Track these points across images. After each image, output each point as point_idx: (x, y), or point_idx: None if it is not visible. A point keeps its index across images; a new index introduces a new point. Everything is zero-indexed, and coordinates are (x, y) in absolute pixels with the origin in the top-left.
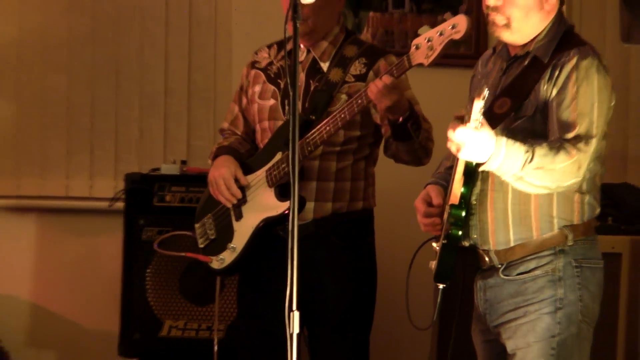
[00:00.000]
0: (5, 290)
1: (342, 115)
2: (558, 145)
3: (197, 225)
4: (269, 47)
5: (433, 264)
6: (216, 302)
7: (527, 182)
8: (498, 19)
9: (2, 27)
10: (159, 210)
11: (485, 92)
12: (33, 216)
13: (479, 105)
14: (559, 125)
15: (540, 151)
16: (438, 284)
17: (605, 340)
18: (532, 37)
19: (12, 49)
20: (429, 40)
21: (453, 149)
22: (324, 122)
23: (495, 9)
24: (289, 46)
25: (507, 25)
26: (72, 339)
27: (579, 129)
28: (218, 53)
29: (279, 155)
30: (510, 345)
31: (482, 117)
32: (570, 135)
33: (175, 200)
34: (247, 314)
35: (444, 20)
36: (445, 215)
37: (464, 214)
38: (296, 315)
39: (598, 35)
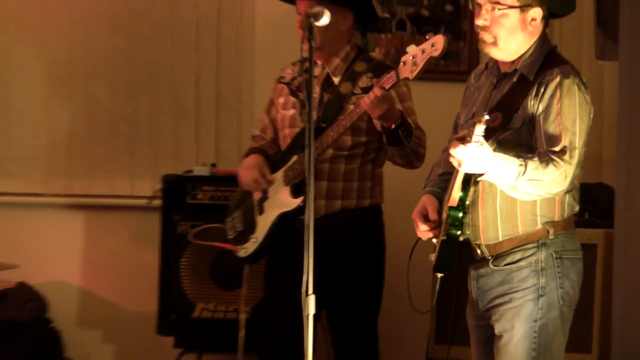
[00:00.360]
0: (57, 277)
1: (344, 123)
2: (547, 158)
3: (227, 219)
4: (293, 64)
5: (433, 256)
6: (243, 287)
7: (520, 191)
8: (486, 37)
9: (52, 47)
10: (191, 207)
11: (485, 117)
12: (82, 212)
13: (481, 128)
14: (545, 138)
15: (532, 165)
16: (437, 274)
17: (583, 319)
18: (518, 54)
19: (61, 65)
20: (414, 57)
21: (455, 164)
22: (330, 128)
23: (484, 28)
24: (307, 63)
25: (494, 43)
26: (115, 319)
27: (563, 142)
28: (242, 69)
29: (294, 158)
30: (497, 328)
31: (482, 138)
32: (556, 148)
33: (205, 198)
34: (271, 297)
35: (426, 40)
36: (444, 215)
37: (461, 214)
38: (311, 298)
39: (576, 53)
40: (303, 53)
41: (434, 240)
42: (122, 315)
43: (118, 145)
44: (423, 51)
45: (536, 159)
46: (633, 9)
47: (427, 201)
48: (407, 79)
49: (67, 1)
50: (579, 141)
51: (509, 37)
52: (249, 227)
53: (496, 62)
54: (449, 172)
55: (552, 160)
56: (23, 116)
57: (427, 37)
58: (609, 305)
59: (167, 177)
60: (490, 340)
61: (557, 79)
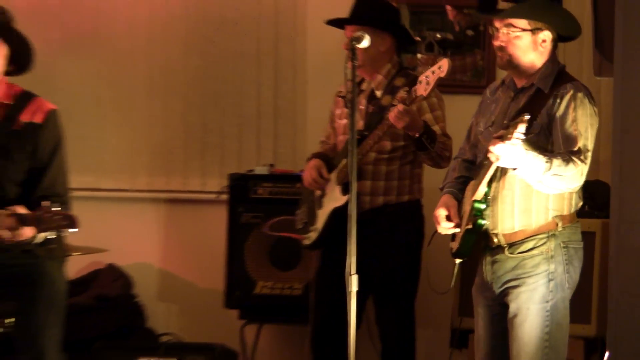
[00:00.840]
0: (140, 259)
1: (378, 132)
2: (567, 157)
3: (297, 212)
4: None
5: (454, 245)
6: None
7: (545, 185)
8: (503, 56)
9: (135, 65)
10: (253, 200)
11: (527, 117)
12: (161, 205)
13: (523, 127)
14: (563, 141)
15: (556, 162)
16: (456, 259)
17: (584, 295)
18: (531, 71)
19: (145, 81)
20: (427, 77)
21: (493, 158)
22: (369, 136)
23: (501, 48)
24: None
25: (510, 62)
26: (189, 295)
27: (579, 144)
28: (297, 85)
29: (344, 161)
30: (512, 307)
31: (523, 136)
32: (574, 148)
33: (265, 193)
34: (324, 277)
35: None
36: (468, 208)
37: (483, 207)
38: (354, 278)
39: (577, 70)
40: (347, 71)
41: (457, 230)
42: (195, 291)
43: (191, 148)
44: (433, 72)
45: (559, 157)
46: (625, 34)
47: (448, 202)
48: (421, 95)
49: (149, 28)
50: (590, 145)
51: (522, 57)
52: (311, 219)
53: (512, 79)
54: (464, 176)
55: (572, 159)
56: (113, 125)
57: (437, 60)
58: (605, 283)
59: (232, 176)
60: (496, 317)
61: (571, 92)
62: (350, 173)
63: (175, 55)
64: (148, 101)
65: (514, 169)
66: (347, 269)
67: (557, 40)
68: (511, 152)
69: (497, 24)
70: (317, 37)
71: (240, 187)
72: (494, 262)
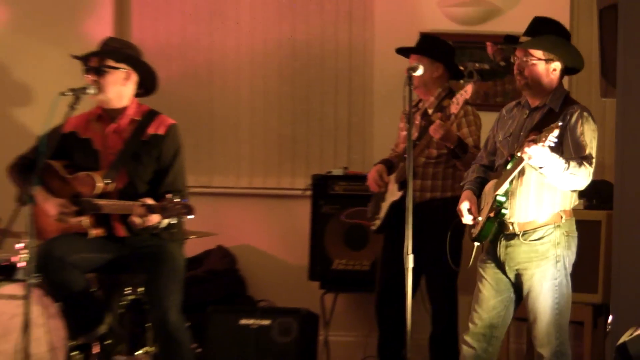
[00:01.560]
0: (243, 241)
1: (424, 142)
2: (579, 161)
3: (369, 205)
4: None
5: (475, 231)
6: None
7: (563, 181)
8: (522, 79)
9: (240, 90)
10: (331, 195)
11: (560, 124)
12: (259, 199)
13: (557, 132)
14: (573, 148)
15: (572, 164)
16: (475, 242)
17: (592, 269)
18: (543, 94)
19: (245, 103)
20: (457, 98)
21: (525, 158)
22: (418, 144)
23: (520, 73)
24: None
25: (527, 84)
26: (280, 270)
27: (587, 152)
28: (365, 105)
29: (401, 164)
30: (527, 285)
31: (556, 139)
32: (583, 154)
33: (340, 189)
34: (386, 255)
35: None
36: (490, 200)
37: (504, 199)
38: (410, 257)
39: (587, 93)
40: (406, 93)
41: (480, 219)
42: (285, 267)
43: (283, 155)
44: (461, 94)
45: (574, 160)
46: (625, 65)
47: (470, 197)
48: (453, 113)
49: (251, 62)
50: (594, 153)
51: (537, 80)
52: (377, 210)
53: (527, 100)
54: (480, 177)
55: (583, 163)
56: (222, 136)
57: (463, 84)
58: (609, 260)
59: (315, 176)
60: (503, 285)
61: (579, 111)
62: (407, 174)
63: (271, 83)
64: (250, 118)
65: (540, 167)
66: (405, 250)
67: (565, 71)
68: (541, 152)
69: (518, 53)
70: (381, 68)
71: (321, 185)
72: (507, 246)
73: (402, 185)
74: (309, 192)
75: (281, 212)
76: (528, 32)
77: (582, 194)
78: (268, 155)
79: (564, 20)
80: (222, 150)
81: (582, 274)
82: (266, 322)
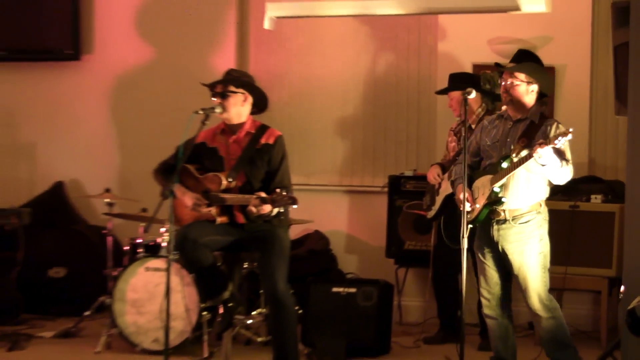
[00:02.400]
0: (335, 227)
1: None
2: (566, 161)
3: (424, 198)
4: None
5: (471, 216)
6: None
7: (558, 176)
8: (507, 97)
9: (332, 109)
10: (403, 192)
11: (571, 130)
12: (347, 194)
13: (570, 136)
14: (555, 152)
15: (564, 163)
16: (469, 225)
17: (607, 249)
18: (523, 109)
19: (336, 119)
20: None
21: (536, 156)
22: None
23: (506, 91)
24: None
25: (511, 100)
26: (363, 249)
27: (567, 155)
28: (430, 122)
29: (452, 167)
30: (518, 258)
31: (559, 145)
32: (565, 157)
33: (411, 187)
34: (439, 238)
35: None
36: (487, 191)
37: (498, 190)
38: (465, 240)
39: (604, 111)
40: (462, 111)
41: (477, 206)
42: (367, 247)
43: (366, 160)
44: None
45: (563, 161)
46: (634, 88)
47: (461, 188)
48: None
49: (342, 87)
50: (570, 156)
51: (519, 98)
52: (432, 202)
53: (508, 114)
54: (468, 173)
55: (568, 162)
56: (317, 145)
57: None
58: (621, 241)
59: (391, 177)
60: (500, 262)
61: (555, 124)
62: (463, 173)
63: (356, 103)
64: (340, 131)
65: (543, 165)
66: (460, 234)
67: (540, 93)
68: (550, 153)
69: (505, 75)
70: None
71: (395, 184)
72: (500, 229)
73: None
74: (386, 189)
75: (364, 205)
76: (513, 60)
77: (600, 191)
78: (354, 159)
79: (587, 53)
80: (318, 156)
81: (599, 253)
82: (352, 290)
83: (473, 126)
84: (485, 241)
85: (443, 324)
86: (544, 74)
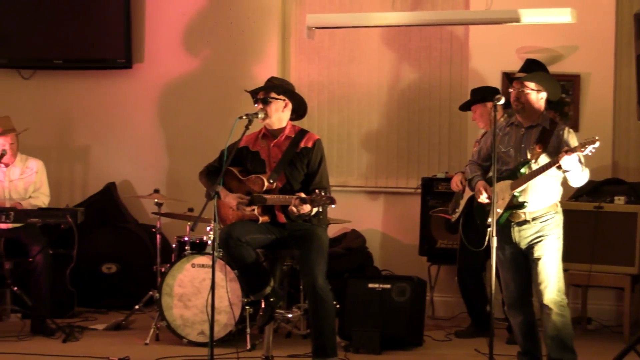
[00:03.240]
0: (371, 226)
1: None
2: (584, 166)
3: (450, 203)
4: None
5: (489, 220)
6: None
7: (578, 179)
8: (518, 104)
9: (369, 114)
10: (436, 193)
11: (597, 138)
12: (382, 195)
13: (598, 144)
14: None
15: (583, 167)
16: (488, 228)
17: (630, 247)
18: (533, 116)
19: (372, 123)
20: None
21: (562, 163)
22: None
23: (517, 99)
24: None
25: (523, 108)
26: (398, 247)
27: (582, 160)
28: (461, 126)
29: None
30: (538, 253)
31: (587, 152)
32: (581, 161)
33: (442, 188)
34: (463, 240)
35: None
36: (507, 196)
37: (518, 194)
38: (494, 239)
39: (627, 116)
40: (492, 115)
41: (499, 211)
42: (401, 245)
43: (400, 162)
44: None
45: (583, 165)
46: None
47: (484, 185)
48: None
49: (377, 93)
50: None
51: (529, 105)
52: (456, 205)
53: (519, 122)
54: (482, 173)
55: (585, 168)
56: (355, 148)
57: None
58: None
59: (424, 179)
60: (521, 263)
61: (566, 128)
62: (493, 177)
63: (392, 109)
64: (376, 135)
65: (567, 171)
66: (489, 234)
67: (548, 100)
68: (575, 160)
69: (515, 84)
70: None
71: (428, 185)
72: (520, 230)
73: None
74: (419, 191)
75: (398, 205)
76: (523, 69)
77: (623, 192)
78: (389, 162)
79: (610, 62)
80: (355, 159)
81: (622, 252)
82: (387, 286)
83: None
84: (505, 242)
85: (473, 318)
86: (551, 82)
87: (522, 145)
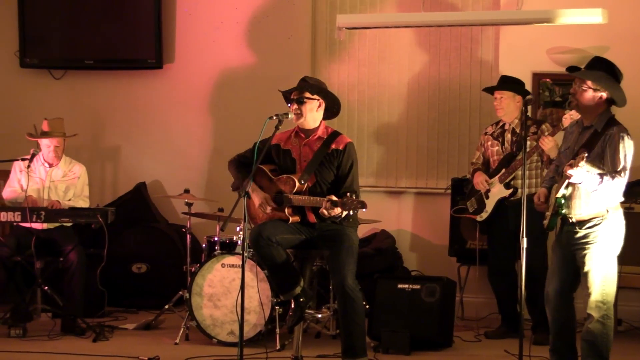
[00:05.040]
0: (401, 227)
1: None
2: (613, 175)
3: (467, 203)
4: (492, 125)
5: (545, 222)
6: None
7: (599, 191)
8: (574, 102)
9: (400, 115)
10: (465, 193)
11: (585, 154)
12: (412, 196)
13: (583, 162)
14: (610, 162)
15: (605, 178)
16: (548, 230)
17: None
18: (591, 115)
19: (402, 123)
20: (566, 118)
21: (568, 175)
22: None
23: (573, 95)
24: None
25: (577, 104)
26: (428, 248)
27: (620, 166)
28: (474, 127)
29: (503, 170)
30: (581, 262)
31: (585, 165)
32: (617, 168)
33: (467, 188)
34: (494, 240)
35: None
36: (553, 200)
37: (563, 201)
38: (524, 240)
39: None
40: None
41: (547, 213)
42: (431, 246)
43: (430, 163)
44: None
45: (609, 175)
46: None
47: (544, 192)
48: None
49: (407, 93)
50: (628, 165)
51: (586, 104)
52: (481, 206)
53: (582, 120)
54: (553, 177)
55: (615, 176)
56: (381, 149)
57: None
58: None
59: (453, 179)
60: (568, 260)
61: (617, 132)
62: (522, 177)
63: (422, 109)
64: (406, 136)
65: (580, 183)
66: (520, 233)
67: (611, 101)
68: (579, 173)
69: (575, 80)
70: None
71: (458, 186)
72: (568, 233)
73: (507, 186)
74: (448, 191)
75: (428, 206)
76: (587, 67)
77: None
78: (419, 163)
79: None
80: (385, 160)
81: None
82: (417, 286)
83: (517, 129)
84: (558, 241)
85: (504, 318)
86: (612, 83)
87: (575, 147)
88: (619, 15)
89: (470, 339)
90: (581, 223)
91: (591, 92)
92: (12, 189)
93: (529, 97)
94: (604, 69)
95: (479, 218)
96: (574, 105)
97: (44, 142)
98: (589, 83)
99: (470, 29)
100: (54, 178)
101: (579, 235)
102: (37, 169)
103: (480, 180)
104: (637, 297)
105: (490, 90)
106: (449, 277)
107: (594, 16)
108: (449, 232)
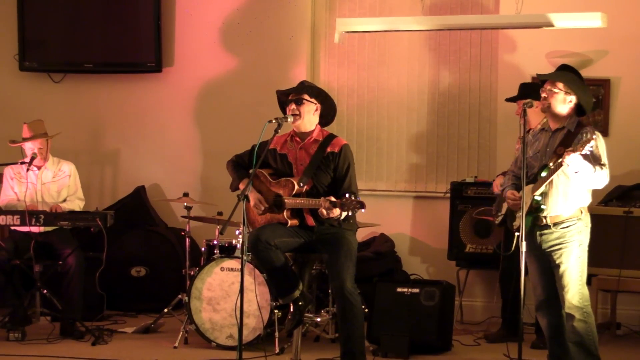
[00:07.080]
0: (400, 230)
1: None
2: (599, 167)
3: (493, 205)
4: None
5: (515, 224)
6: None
7: (591, 181)
8: (545, 103)
9: (399, 118)
10: (464, 197)
11: (594, 137)
12: (411, 199)
13: (593, 143)
14: (592, 157)
15: (597, 168)
16: (516, 233)
17: None
18: (560, 118)
19: (403, 128)
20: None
21: (565, 164)
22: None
23: (545, 98)
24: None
25: (549, 107)
26: (427, 251)
27: (602, 160)
28: (490, 130)
29: None
30: (557, 261)
31: (591, 149)
32: (600, 162)
33: (471, 193)
34: (506, 242)
35: None
36: (528, 200)
37: (540, 199)
38: (524, 243)
39: None
40: (521, 122)
41: (517, 215)
42: (429, 249)
43: (429, 167)
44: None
45: (597, 166)
46: None
47: (515, 192)
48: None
49: (409, 97)
50: (606, 161)
51: (556, 106)
52: (499, 209)
53: (549, 126)
54: (515, 183)
55: (602, 168)
56: (383, 152)
57: None
58: None
59: (453, 183)
60: (546, 266)
61: (590, 131)
62: (522, 181)
63: (422, 113)
64: (405, 139)
65: (576, 172)
66: (520, 237)
67: (579, 106)
68: (578, 160)
69: (545, 84)
70: (502, 103)
71: (457, 190)
72: (542, 234)
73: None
74: (448, 195)
75: (427, 209)
76: (555, 72)
77: None
78: (418, 166)
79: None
80: (384, 163)
81: None
82: (416, 290)
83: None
84: (531, 246)
85: (505, 322)
86: (582, 88)
87: (547, 149)
88: (619, 19)
89: (469, 342)
90: (556, 224)
91: (562, 95)
92: (10, 198)
93: (527, 101)
94: (575, 74)
95: (496, 221)
96: (545, 107)
97: (27, 146)
98: (560, 85)
99: (470, 33)
100: (44, 180)
101: (554, 235)
102: (27, 174)
103: (496, 183)
104: (636, 301)
105: (512, 99)
106: (448, 280)
107: (594, 20)
108: (448, 235)
